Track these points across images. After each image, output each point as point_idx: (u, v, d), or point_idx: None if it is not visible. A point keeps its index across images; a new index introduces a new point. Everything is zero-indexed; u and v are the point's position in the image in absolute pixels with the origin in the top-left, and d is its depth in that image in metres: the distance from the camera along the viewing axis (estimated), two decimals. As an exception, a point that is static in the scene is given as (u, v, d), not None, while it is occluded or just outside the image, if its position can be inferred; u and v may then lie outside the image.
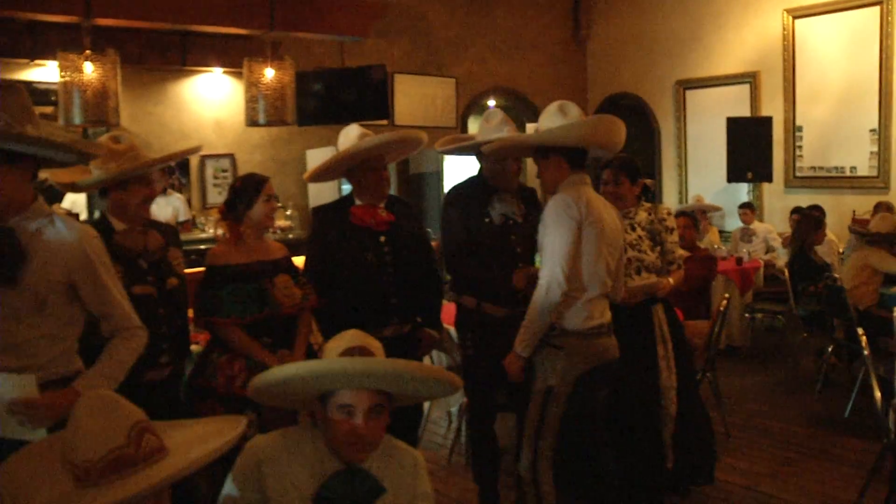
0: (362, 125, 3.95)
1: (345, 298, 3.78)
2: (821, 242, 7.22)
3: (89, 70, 5.86)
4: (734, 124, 9.39)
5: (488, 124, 4.05)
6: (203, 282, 3.49)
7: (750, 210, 9.12)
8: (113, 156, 3.22)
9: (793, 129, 9.64)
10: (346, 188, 4.14)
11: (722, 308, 5.27)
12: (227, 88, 8.76)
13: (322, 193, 8.14)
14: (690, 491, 4.42)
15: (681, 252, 4.40)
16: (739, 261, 7.91)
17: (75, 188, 3.40)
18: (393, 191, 4.68)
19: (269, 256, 3.57)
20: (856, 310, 5.83)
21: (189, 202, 8.68)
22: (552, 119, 3.52)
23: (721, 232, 9.67)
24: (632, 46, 11.29)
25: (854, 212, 8.88)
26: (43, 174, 2.75)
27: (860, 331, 4.28)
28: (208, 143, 8.67)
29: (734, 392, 6.35)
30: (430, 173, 10.08)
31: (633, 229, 4.14)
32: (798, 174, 9.66)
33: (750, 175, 9.33)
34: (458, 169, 9.72)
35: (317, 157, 8.11)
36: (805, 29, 9.45)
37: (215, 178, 8.80)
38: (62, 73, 5.87)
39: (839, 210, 8.93)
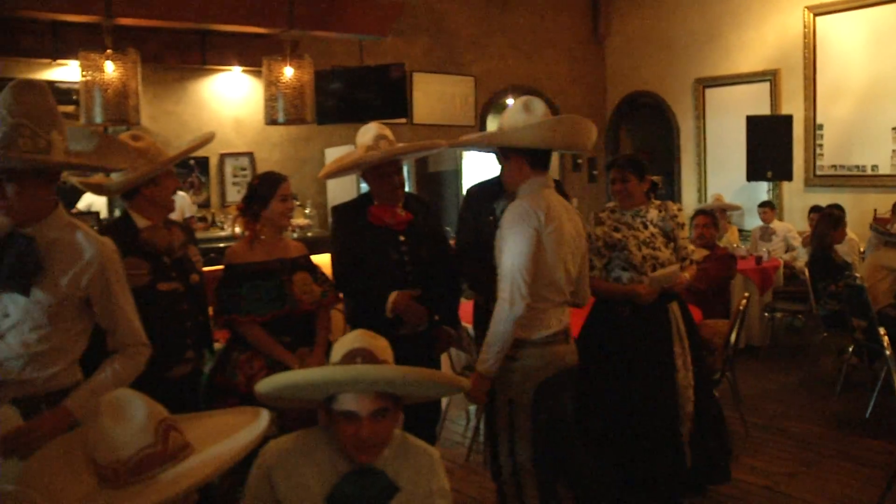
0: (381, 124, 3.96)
1: (365, 297, 3.80)
2: (841, 241, 7.17)
3: (110, 69, 5.90)
4: (754, 123, 9.34)
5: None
6: (222, 280, 3.51)
7: (770, 209, 9.07)
8: (139, 154, 3.24)
9: (813, 128, 9.58)
10: (364, 186, 4.15)
11: (741, 307, 5.24)
12: (247, 87, 8.79)
13: (341, 192, 8.17)
14: (708, 490, 4.40)
15: (692, 248, 4.38)
16: (759, 260, 7.86)
17: (105, 190, 3.43)
18: (411, 189, 4.70)
19: (288, 255, 3.59)
20: (869, 309, 5.79)
21: (208, 200, 8.74)
22: (515, 117, 3.31)
23: (740, 231, 9.63)
24: (651, 44, 11.25)
25: (875, 210, 8.80)
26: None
27: (882, 330, 4.25)
28: (228, 142, 8.71)
29: (753, 392, 6.31)
30: (448, 171, 10.09)
31: (646, 227, 4.13)
32: (818, 173, 9.60)
33: (770, 174, 9.28)
34: (477, 167, 9.73)
35: (336, 156, 8.07)
36: (826, 26, 9.38)
37: (234, 176, 8.83)
38: (83, 73, 5.91)
39: (860, 209, 8.86)
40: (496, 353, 3.17)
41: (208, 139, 3.57)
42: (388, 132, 3.84)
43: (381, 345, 2.25)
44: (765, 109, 9.89)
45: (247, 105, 8.78)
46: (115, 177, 3.29)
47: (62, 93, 7.57)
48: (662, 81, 11.21)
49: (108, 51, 5.90)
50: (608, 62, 11.92)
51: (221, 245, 6.69)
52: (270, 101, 6.52)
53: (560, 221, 3.26)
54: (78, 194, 7.13)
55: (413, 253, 3.81)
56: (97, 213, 7.35)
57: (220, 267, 3.61)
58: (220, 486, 3.30)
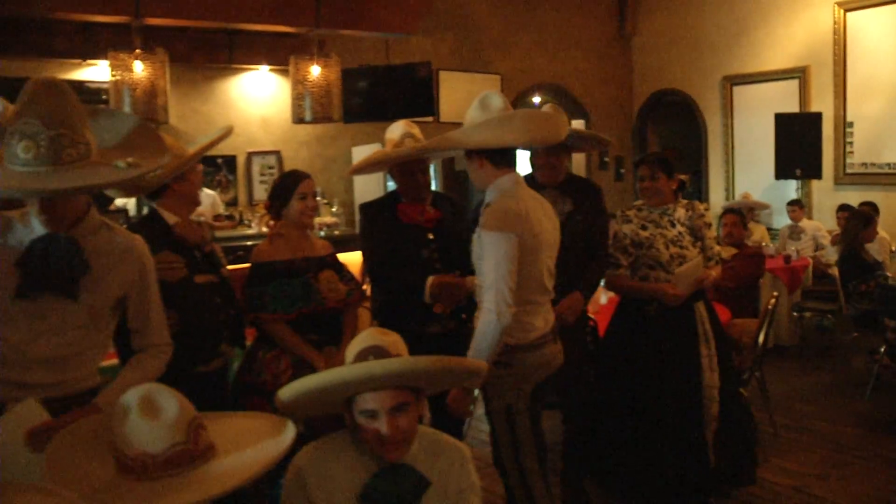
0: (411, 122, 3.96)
1: (394, 295, 3.80)
2: (871, 240, 7.08)
3: (139, 69, 5.93)
4: (783, 120, 9.26)
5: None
6: (248, 279, 3.52)
7: (799, 207, 8.98)
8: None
9: (843, 125, 9.46)
10: (392, 185, 4.16)
11: (770, 306, 5.20)
12: (274, 86, 8.83)
13: (368, 190, 8.19)
14: (734, 492, 4.37)
15: (719, 248, 4.34)
16: (787, 259, 7.80)
17: (135, 188, 3.45)
18: (438, 187, 4.70)
19: (314, 253, 3.59)
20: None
21: (236, 198, 8.79)
22: (471, 115, 3.19)
23: (769, 229, 9.54)
24: (678, 42, 11.18)
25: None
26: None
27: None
28: (255, 140, 8.76)
29: (782, 392, 6.25)
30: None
31: (673, 225, 4.11)
32: (848, 171, 9.49)
33: (799, 172, 9.19)
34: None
35: (362, 155, 8.13)
36: (857, 22, 9.27)
37: (262, 174, 8.88)
38: (113, 73, 5.95)
39: (891, 207, 8.76)
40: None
41: (227, 133, 3.56)
42: (415, 130, 3.84)
43: (393, 340, 2.25)
44: (793, 107, 9.79)
45: (274, 104, 8.82)
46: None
47: (92, 92, 7.68)
48: (690, 79, 11.14)
49: (137, 51, 5.94)
50: (635, 60, 11.86)
51: (248, 243, 6.74)
52: (298, 99, 6.53)
53: (538, 220, 3.15)
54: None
55: (442, 250, 3.81)
56: (126, 211, 7.43)
57: (247, 265, 3.63)
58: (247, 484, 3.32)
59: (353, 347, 2.24)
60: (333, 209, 8.77)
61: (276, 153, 8.96)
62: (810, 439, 5.30)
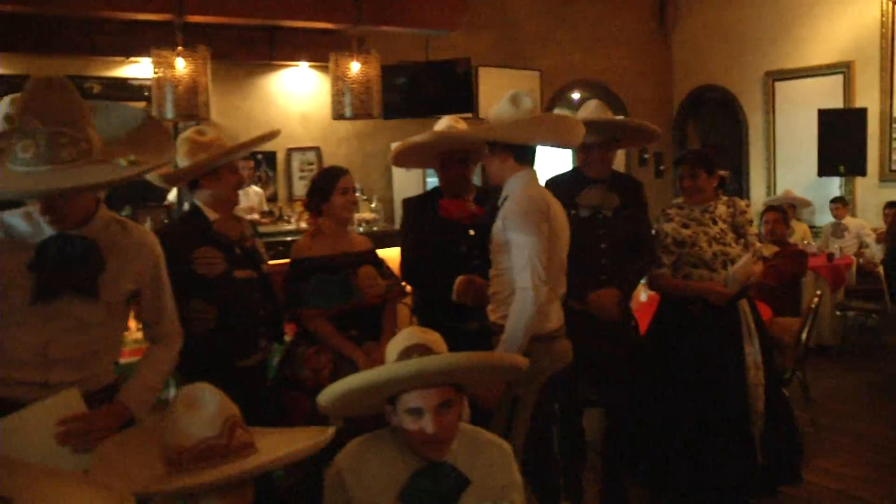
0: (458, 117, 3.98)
1: (432, 289, 3.81)
2: (919, 238, 6.98)
3: (181, 66, 6.01)
4: (826, 116, 9.12)
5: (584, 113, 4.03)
6: (288, 274, 3.55)
7: (842, 204, 8.86)
8: (201, 147, 3.29)
9: (889, 121, 9.29)
10: (431, 181, 4.17)
11: (813, 305, 5.13)
12: (314, 82, 8.87)
13: (407, 186, 8.21)
14: (779, 492, 4.32)
15: (760, 245, 4.30)
16: (830, 257, 7.69)
17: (166, 180, 3.49)
18: (479, 182, 4.70)
19: (353, 248, 3.61)
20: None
21: (275, 194, 8.86)
22: (503, 110, 3.29)
23: (811, 227, 9.42)
24: (719, 37, 11.04)
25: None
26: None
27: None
28: (295, 137, 8.81)
29: (824, 392, 6.16)
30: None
31: (715, 223, 4.07)
32: (894, 167, 9.33)
33: (842, 168, 9.05)
34: (546, 162, 9.65)
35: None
36: (905, 16, 9.11)
37: (301, 170, 8.93)
38: (155, 70, 6.03)
39: (938, 205, 8.59)
40: (521, 349, 3.04)
41: (271, 135, 3.57)
42: (462, 125, 3.86)
43: (434, 338, 2.26)
44: (837, 103, 9.63)
45: (313, 100, 8.86)
46: (180, 166, 3.35)
47: (134, 89, 7.81)
48: (731, 75, 11.00)
49: (180, 48, 6.01)
50: (675, 55, 11.75)
51: (288, 239, 6.78)
52: (337, 96, 6.57)
53: (556, 212, 3.26)
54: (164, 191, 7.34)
55: (482, 246, 3.81)
56: (171, 206, 7.55)
57: (287, 261, 3.66)
58: (284, 481, 3.35)
59: (395, 346, 2.24)
60: (372, 205, 8.80)
61: (316, 149, 9.00)
62: (852, 441, 5.23)
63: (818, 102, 9.55)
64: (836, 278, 7.49)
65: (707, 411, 3.95)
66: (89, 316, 2.42)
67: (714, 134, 11.73)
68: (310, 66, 8.75)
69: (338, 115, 6.69)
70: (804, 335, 5.07)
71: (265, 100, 8.70)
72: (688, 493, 4.03)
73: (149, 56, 6.12)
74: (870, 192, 9.53)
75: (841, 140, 8.92)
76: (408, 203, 4.05)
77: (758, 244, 4.21)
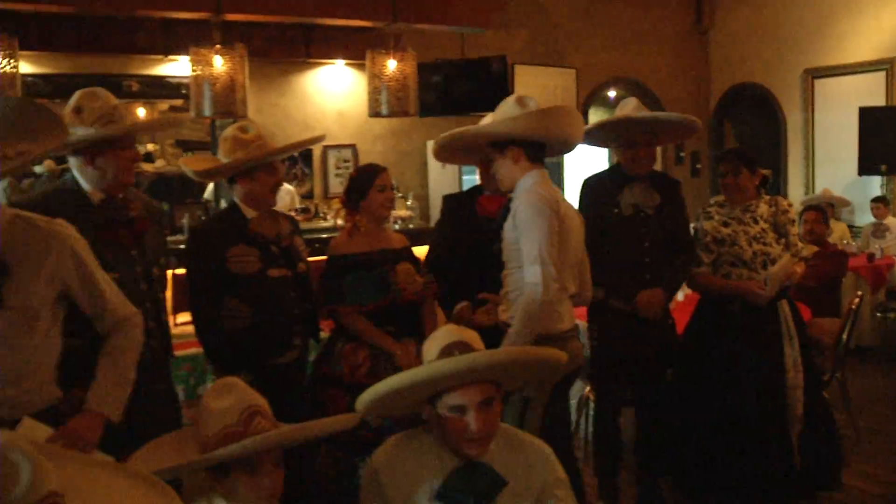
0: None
1: (455, 287, 3.80)
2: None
3: (219, 64, 6.05)
4: (867, 114, 8.97)
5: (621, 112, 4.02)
6: (325, 271, 3.56)
7: (883, 204, 8.73)
8: (240, 145, 3.31)
9: (933, 119, 9.14)
10: (466, 179, 4.18)
11: (854, 306, 5.06)
12: (350, 80, 8.91)
13: (443, 184, 8.21)
14: (818, 497, 4.27)
15: (801, 245, 4.25)
16: (871, 257, 7.59)
17: (200, 176, 3.52)
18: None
19: (391, 245, 3.62)
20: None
21: (311, 191, 8.90)
22: (509, 110, 3.35)
23: (850, 227, 9.29)
24: (757, 34, 10.92)
25: None
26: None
27: None
28: (331, 134, 8.84)
29: (864, 394, 6.07)
30: (550, 163, 10.01)
31: (756, 222, 4.03)
32: (937, 167, 9.17)
33: (884, 167, 8.91)
34: (581, 160, 9.60)
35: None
36: (951, 12, 8.95)
37: (337, 168, 8.97)
38: (193, 67, 6.08)
39: (983, 206, 8.45)
40: (526, 344, 3.04)
41: (313, 141, 3.56)
42: None
43: (472, 335, 2.26)
44: (879, 101, 9.48)
45: (349, 98, 8.90)
46: (220, 163, 3.38)
47: (172, 87, 7.91)
48: (769, 72, 10.87)
49: (217, 46, 6.05)
50: (712, 53, 11.63)
51: (324, 236, 6.81)
52: (374, 93, 6.58)
53: (566, 210, 3.28)
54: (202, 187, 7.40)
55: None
56: (208, 203, 7.62)
57: (324, 258, 3.67)
58: (322, 464, 3.37)
59: (433, 344, 2.24)
60: (408, 203, 8.82)
61: (352, 147, 9.04)
62: (894, 444, 5.14)
63: (859, 100, 9.39)
64: (876, 279, 7.40)
65: (745, 413, 3.91)
66: (5, 328, 2.19)
67: (751, 132, 11.60)
68: (346, 64, 8.78)
69: (374, 113, 6.70)
70: (844, 336, 5.00)
71: (301, 97, 8.74)
72: (724, 497, 4.00)
73: (187, 54, 6.17)
74: (912, 192, 9.39)
75: (882, 139, 8.77)
76: (448, 199, 4.07)
77: (799, 244, 4.16)
